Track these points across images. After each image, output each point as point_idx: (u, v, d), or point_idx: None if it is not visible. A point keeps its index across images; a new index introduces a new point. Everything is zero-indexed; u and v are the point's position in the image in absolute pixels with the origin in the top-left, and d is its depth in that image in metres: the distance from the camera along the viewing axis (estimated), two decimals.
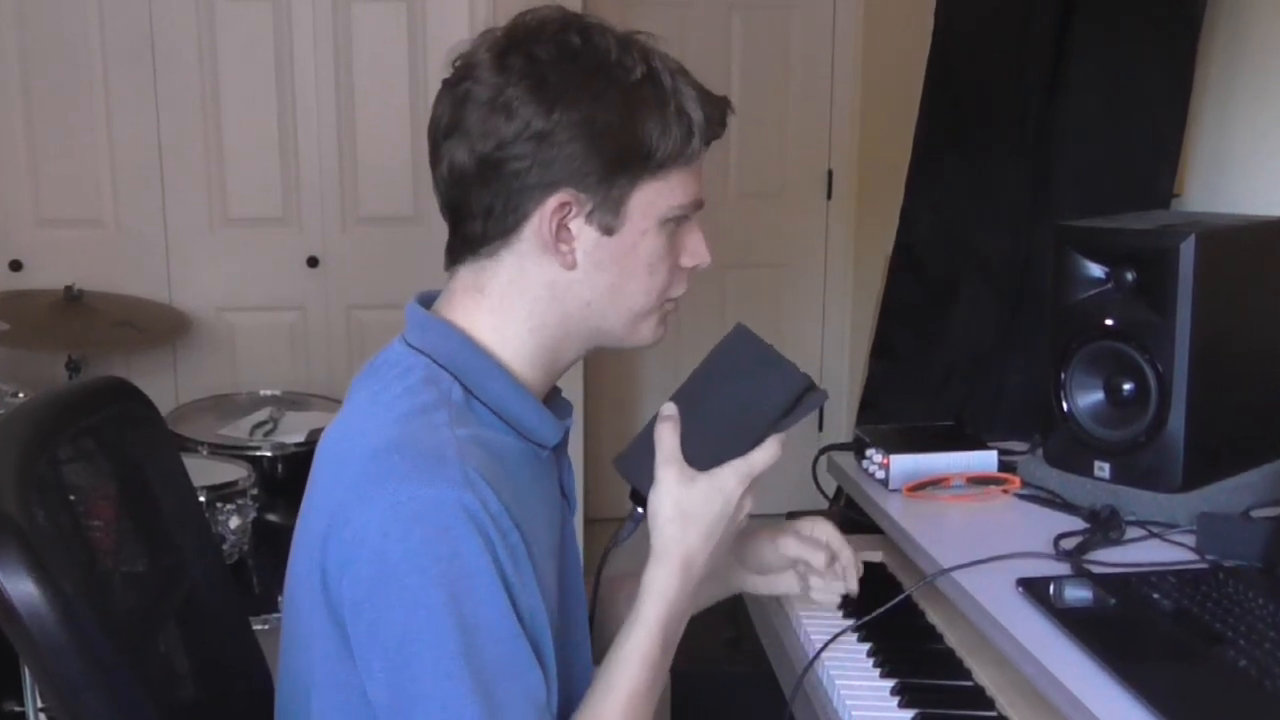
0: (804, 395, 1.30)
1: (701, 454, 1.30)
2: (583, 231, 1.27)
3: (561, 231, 1.26)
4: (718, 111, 1.30)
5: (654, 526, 1.30)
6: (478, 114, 1.23)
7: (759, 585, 1.66)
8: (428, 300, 1.36)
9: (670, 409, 1.32)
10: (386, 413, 1.22)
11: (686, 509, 1.29)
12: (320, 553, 1.19)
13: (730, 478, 1.30)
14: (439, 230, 1.34)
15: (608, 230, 1.27)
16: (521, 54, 1.23)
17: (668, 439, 1.30)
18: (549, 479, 1.36)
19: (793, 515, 2.73)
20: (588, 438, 4.06)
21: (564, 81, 1.22)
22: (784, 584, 1.65)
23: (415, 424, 1.20)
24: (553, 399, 1.39)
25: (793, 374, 1.30)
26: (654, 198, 1.27)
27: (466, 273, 1.31)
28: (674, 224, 1.30)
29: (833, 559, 1.60)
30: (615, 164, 1.24)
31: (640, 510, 1.33)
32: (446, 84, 1.28)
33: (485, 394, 1.27)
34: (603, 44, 1.25)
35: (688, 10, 4.49)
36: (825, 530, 1.61)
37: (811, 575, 1.61)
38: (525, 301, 1.29)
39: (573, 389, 3.66)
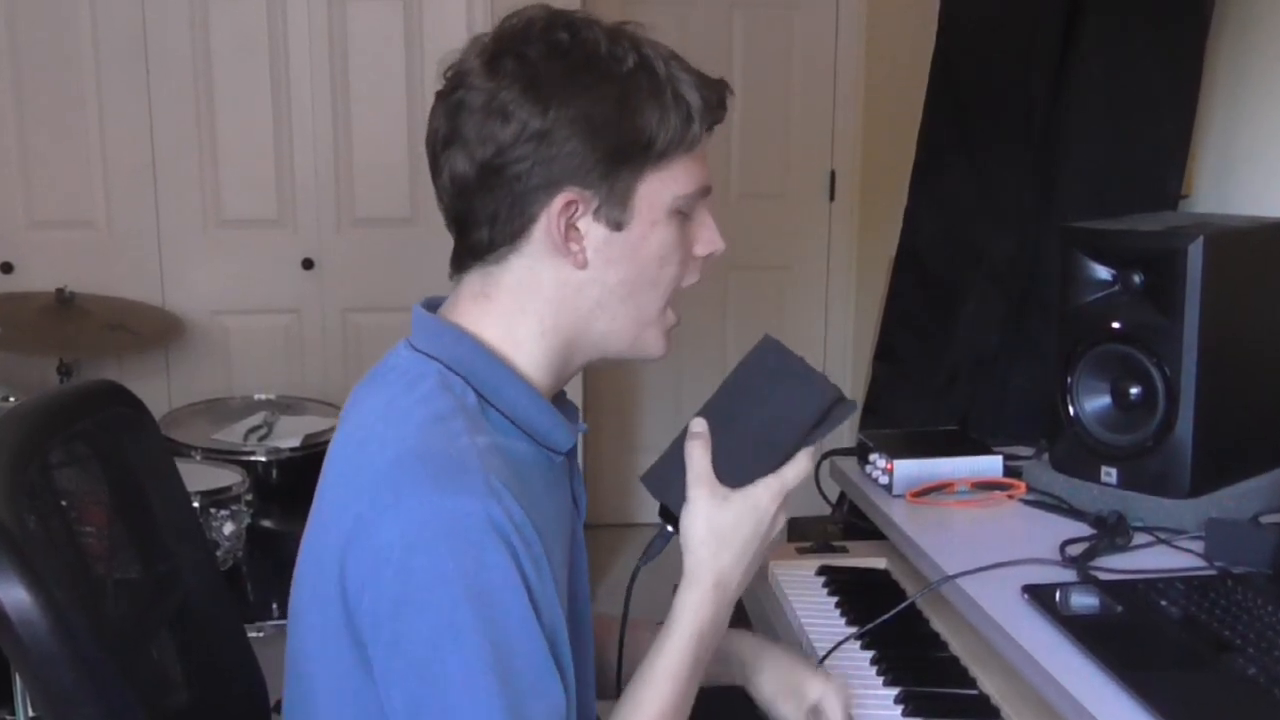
0: (833, 407, 1.28)
1: (732, 470, 1.27)
2: (591, 229, 1.25)
3: (570, 231, 1.24)
4: (715, 94, 1.29)
5: (687, 548, 1.28)
6: (474, 121, 1.22)
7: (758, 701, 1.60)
8: (432, 305, 1.34)
9: (700, 425, 1.29)
10: (403, 421, 1.20)
11: (720, 529, 1.27)
12: (338, 567, 1.16)
13: (764, 495, 1.28)
14: (436, 232, 1.32)
15: (617, 225, 1.25)
16: (512, 56, 1.22)
17: (698, 457, 1.28)
18: (561, 486, 1.34)
19: (795, 521, 2.73)
20: (587, 446, 4.05)
21: (556, 79, 1.21)
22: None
23: (434, 432, 1.18)
24: (560, 403, 1.37)
25: (823, 386, 1.28)
26: (659, 188, 1.26)
27: (473, 279, 1.29)
28: (683, 214, 1.29)
29: None
30: (617, 157, 1.23)
31: (670, 529, 1.31)
32: (440, 95, 1.27)
33: (499, 399, 1.25)
34: (591, 38, 1.24)
35: (688, 9, 4.48)
36: (832, 704, 1.50)
37: None
38: (536, 304, 1.27)
39: (572, 390, 3.64)
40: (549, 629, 1.16)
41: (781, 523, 1.31)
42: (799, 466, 1.29)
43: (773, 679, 1.53)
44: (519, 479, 1.18)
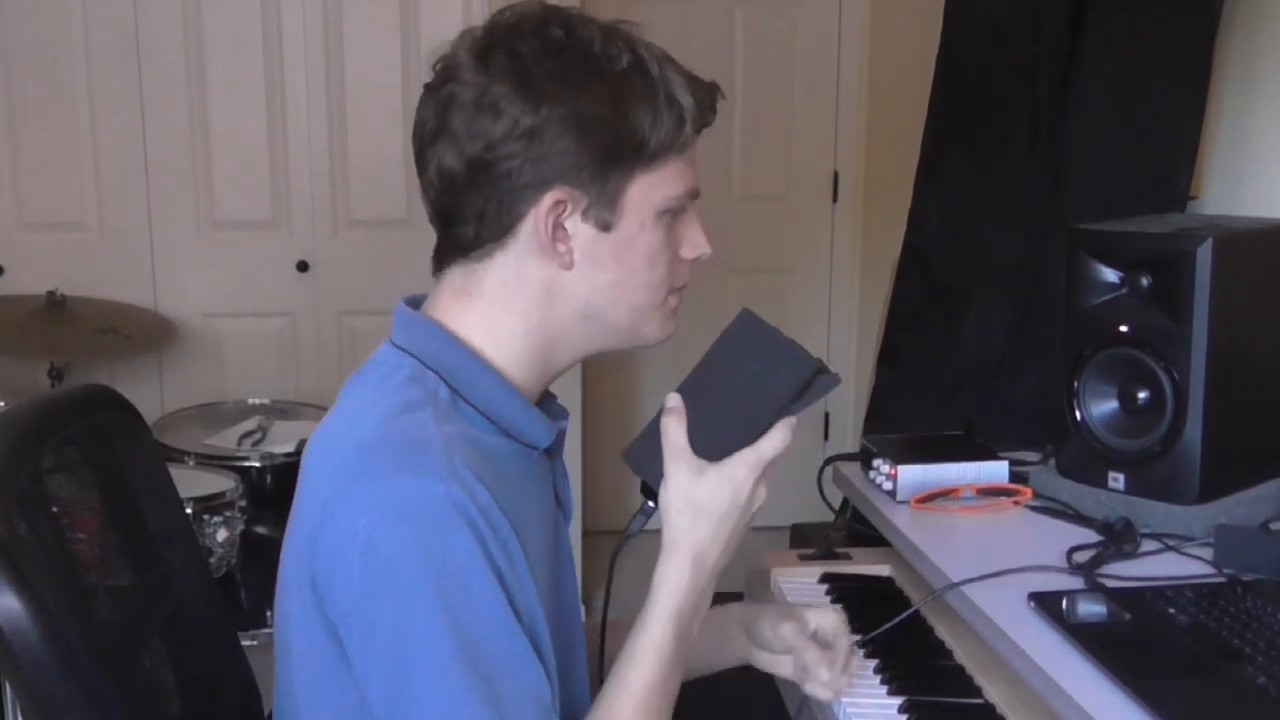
0: (815, 379, 1.28)
1: (710, 444, 1.28)
2: (579, 229, 1.25)
3: (558, 230, 1.24)
4: (707, 97, 1.29)
5: (665, 521, 1.28)
6: (463, 116, 1.22)
7: (761, 661, 1.61)
8: (416, 302, 1.35)
9: (675, 400, 1.29)
10: (371, 411, 1.21)
11: (696, 502, 1.27)
12: (308, 557, 1.18)
13: (740, 468, 1.27)
14: (432, 234, 1.32)
15: (605, 226, 1.25)
16: (503, 51, 1.22)
17: (673, 431, 1.28)
18: (542, 483, 1.34)
19: (797, 527, 2.72)
20: (586, 450, 4.02)
21: (549, 76, 1.21)
22: (784, 667, 1.59)
23: (400, 421, 1.19)
24: (546, 402, 1.37)
25: (801, 357, 1.28)
26: (649, 189, 1.26)
27: (456, 275, 1.30)
28: (671, 216, 1.29)
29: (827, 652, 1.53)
30: (608, 157, 1.23)
31: (651, 504, 1.31)
32: (429, 88, 1.27)
33: (472, 394, 1.26)
34: (586, 35, 1.24)
35: (689, 7, 4.45)
36: (831, 622, 1.54)
37: (812, 667, 1.54)
38: (520, 303, 1.28)
39: (571, 395, 3.62)
40: (524, 613, 1.16)
41: (762, 496, 1.31)
42: (776, 439, 1.28)
43: (771, 618, 1.56)
44: (490, 467, 1.19)
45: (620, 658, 1.26)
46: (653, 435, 1.30)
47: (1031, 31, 2.45)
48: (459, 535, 1.12)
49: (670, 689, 1.27)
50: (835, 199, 4.68)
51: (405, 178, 3.76)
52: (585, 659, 1.41)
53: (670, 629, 1.26)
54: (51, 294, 3.38)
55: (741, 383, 1.28)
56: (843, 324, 4.78)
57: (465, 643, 1.11)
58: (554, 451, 1.36)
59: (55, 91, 3.63)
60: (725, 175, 4.51)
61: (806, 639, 1.52)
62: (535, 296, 1.27)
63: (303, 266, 3.83)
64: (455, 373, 1.25)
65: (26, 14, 3.58)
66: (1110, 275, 1.91)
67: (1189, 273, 1.79)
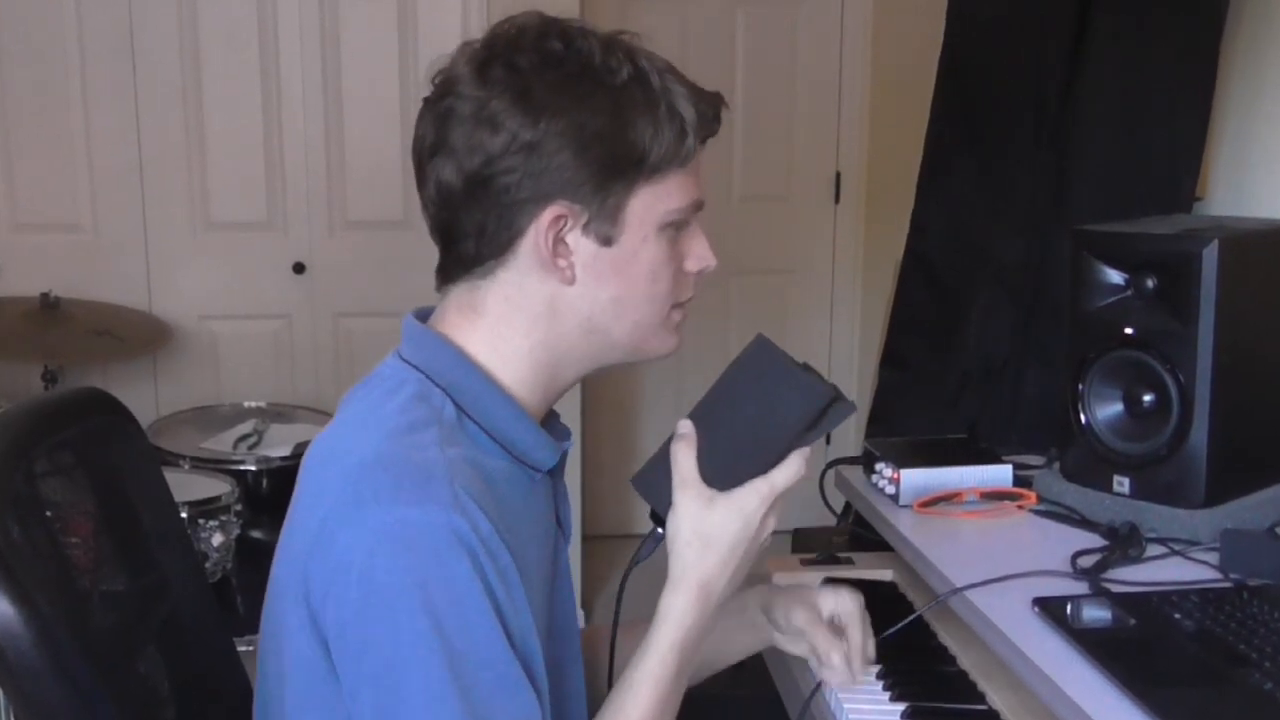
0: (829, 408, 1.26)
1: (721, 472, 1.27)
2: (580, 244, 1.24)
3: (558, 246, 1.24)
4: (711, 108, 1.28)
5: (671, 550, 1.27)
6: (462, 130, 1.21)
7: (782, 643, 1.61)
8: (424, 315, 1.34)
9: (685, 426, 1.29)
10: (375, 428, 1.20)
11: (705, 532, 1.26)
12: (303, 572, 1.17)
13: (751, 498, 1.26)
14: (429, 235, 1.31)
15: (606, 241, 1.25)
16: (502, 64, 1.21)
17: (684, 459, 1.27)
18: (543, 505, 1.33)
19: (799, 532, 2.71)
20: (586, 454, 4.01)
21: (548, 89, 1.20)
22: (801, 648, 1.58)
23: (403, 441, 1.18)
24: (549, 421, 1.37)
25: (816, 386, 1.26)
26: (651, 203, 1.25)
27: (460, 291, 1.29)
28: (674, 229, 1.28)
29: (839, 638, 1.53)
30: (608, 171, 1.22)
31: (660, 530, 1.30)
32: (428, 102, 1.26)
33: (478, 413, 1.25)
34: (585, 47, 1.23)
35: (689, 5, 4.44)
36: (846, 607, 1.54)
37: (822, 653, 1.54)
38: (523, 320, 1.27)
39: (570, 404, 3.60)
40: (519, 639, 1.16)
41: (771, 526, 1.30)
42: (789, 469, 1.27)
43: (785, 602, 1.55)
44: (492, 493, 1.18)
45: (621, 684, 1.26)
46: (662, 461, 1.29)
47: (1035, 33, 2.44)
48: (459, 564, 1.11)
49: (669, 717, 1.27)
50: (837, 200, 4.67)
51: (402, 178, 3.75)
52: (581, 674, 1.41)
53: (672, 661, 1.25)
54: (45, 296, 3.38)
55: (754, 411, 1.27)
56: (845, 326, 4.77)
57: (459, 670, 1.11)
58: (556, 472, 1.35)
59: (49, 91, 3.62)
60: (726, 177, 4.50)
61: (819, 624, 1.52)
62: (538, 313, 1.26)
63: (299, 268, 3.82)
64: (463, 390, 1.25)
65: (20, 12, 3.57)
66: (1115, 277, 1.90)
67: (1195, 274, 1.78)
